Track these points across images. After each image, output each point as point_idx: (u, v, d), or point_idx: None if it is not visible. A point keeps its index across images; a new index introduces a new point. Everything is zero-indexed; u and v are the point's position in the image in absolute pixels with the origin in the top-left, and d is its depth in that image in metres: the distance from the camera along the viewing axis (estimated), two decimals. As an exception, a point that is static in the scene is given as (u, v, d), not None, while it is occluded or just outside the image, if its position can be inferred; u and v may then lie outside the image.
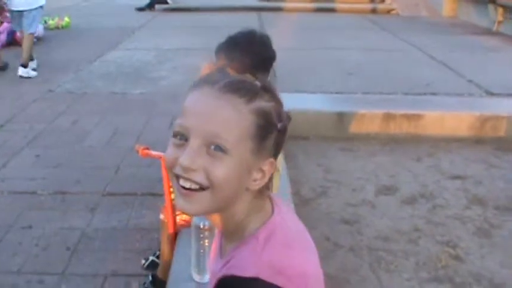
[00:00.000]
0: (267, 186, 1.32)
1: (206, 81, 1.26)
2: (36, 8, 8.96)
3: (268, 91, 1.25)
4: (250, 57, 2.38)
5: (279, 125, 1.25)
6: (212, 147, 1.18)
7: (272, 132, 1.24)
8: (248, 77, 1.28)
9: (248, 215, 1.29)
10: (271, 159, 1.27)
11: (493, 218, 4.23)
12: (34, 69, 9.10)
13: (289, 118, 1.30)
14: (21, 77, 8.75)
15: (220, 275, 1.25)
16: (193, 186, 1.20)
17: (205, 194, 1.21)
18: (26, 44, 9.03)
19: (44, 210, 4.58)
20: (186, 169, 1.19)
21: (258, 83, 1.25)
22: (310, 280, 1.28)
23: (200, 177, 1.19)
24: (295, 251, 1.27)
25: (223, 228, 1.36)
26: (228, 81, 1.23)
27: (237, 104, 1.19)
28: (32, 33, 9.18)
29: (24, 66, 8.88)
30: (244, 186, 1.25)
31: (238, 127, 1.19)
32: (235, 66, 2.29)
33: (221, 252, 1.41)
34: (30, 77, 8.80)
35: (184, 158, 1.19)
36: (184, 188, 1.21)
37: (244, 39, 2.53)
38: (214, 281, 1.29)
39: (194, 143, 1.19)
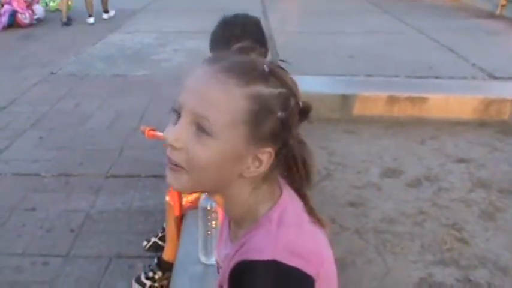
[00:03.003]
0: (276, 174, 1.29)
1: (210, 59, 1.22)
2: None
3: (277, 76, 1.18)
4: (247, 37, 2.39)
5: (280, 114, 1.16)
6: (199, 127, 1.15)
7: (269, 120, 1.16)
8: (258, 60, 1.21)
9: (257, 201, 1.26)
10: (269, 149, 1.19)
11: (497, 201, 4.22)
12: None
13: (305, 108, 1.23)
14: (104, 19, 12.26)
15: (235, 260, 1.21)
16: (173, 164, 1.19)
17: (184, 173, 1.18)
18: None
19: (47, 192, 4.59)
20: (170, 146, 1.18)
21: (265, 66, 1.17)
22: (325, 259, 1.27)
23: (180, 157, 1.17)
24: (307, 230, 1.25)
25: (228, 212, 1.35)
26: (230, 61, 1.19)
27: (231, 86, 1.14)
28: None
29: (106, 11, 12.51)
30: (236, 172, 1.21)
31: (228, 110, 1.13)
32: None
33: (231, 236, 1.39)
34: (111, 16, 12.46)
35: (169, 134, 1.18)
36: (170, 162, 1.20)
37: (240, 20, 2.55)
38: (227, 266, 1.27)
39: (183, 120, 1.17)
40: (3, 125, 6.00)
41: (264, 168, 1.21)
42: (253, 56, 1.23)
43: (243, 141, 1.16)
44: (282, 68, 1.23)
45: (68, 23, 11.83)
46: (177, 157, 1.17)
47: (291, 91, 1.20)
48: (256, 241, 1.20)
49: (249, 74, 1.16)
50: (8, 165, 5.06)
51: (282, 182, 1.32)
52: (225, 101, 1.13)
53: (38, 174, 4.86)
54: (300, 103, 1.21)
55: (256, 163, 1.20)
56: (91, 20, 11.90)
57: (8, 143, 5.49)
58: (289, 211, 1.25)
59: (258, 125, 1.15)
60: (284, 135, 1.20)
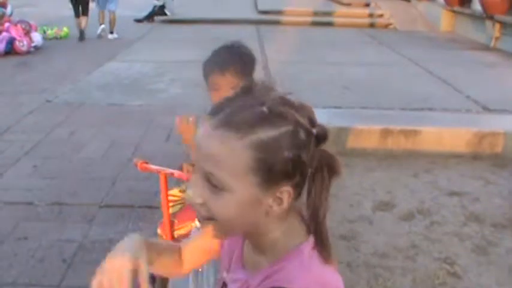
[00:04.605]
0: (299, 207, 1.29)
1: (211, 111, 1.22)
2: None
3: (278, 115, 1.16)
4: (234, 61, 2.46)
5: (287, 153, 1.15)
6: (210, 183, 1.18)
7: (278, 162, 1.15)
8: (258, 100, 1.19)
9: (288, 233, 1.27)
10: (287, 188, 1.19)
11: (490, 235, 4.23)
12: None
13: (321, 133, 1.21)
14: (109, 39, 13.93)
15: (266, 287, 1.23)
16: (203, 218, 1.23)
17: (215, 223, 1.22)
18: (113, 18, 14.13)
19: (40, 221, 4.57)
20: (193, 202, 1.22)
21: (264, 108, 1.16)
22: None
23: (205, 211, 1.21)
24: (329, 267, 1.27)
25: (254, 243, 1.34)
26: (228, 112, 1.19)
27: (230, 140, 1.14)
28: (114, 11, 14.20)
29: (112, 32, 14.22)
30: (261, 215, 1.22)
31: (232, 165, 1.15)
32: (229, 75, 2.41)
33: (242, 261, 1.38)
34: (116, 38, 14.02)
35: (189, 191, 1.22)
36: (199, 215, 1.25)
37: (225, 47, 2.60)
38: None
39: (197, 177, 1.20)
40: (-2, 153, 6.00)
41: (286, 204, 1.21)
42: (257, 93, 1.22)
43: (258, 188, 1.17)
44: (286, 99, 1.21)
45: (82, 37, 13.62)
46: (203, 211, 1.21)
47: (298, 124, 1.17)
48: (288, 271, 1.21)
49: (248, 122, 1.15)
50: (1, 194, 5.04)
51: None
52: (226, 155, 1.15)
53: (31, 203, 4.85)
54: (314, 131, 1.20)
55: (278, 202, 1.20)
56: (110, 35, 14.17)
57: (1, 171, 5.49)
58: (316, 249, 1.26)
59: (268, 170, 1.16)
60: (299, 169, 1.19)
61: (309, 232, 1.28)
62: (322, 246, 1.26)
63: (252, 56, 2.63)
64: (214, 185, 1.17)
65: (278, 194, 1.19)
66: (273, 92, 1.22)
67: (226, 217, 1.20)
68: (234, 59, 2.52)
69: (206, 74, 2.58)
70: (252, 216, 1.22)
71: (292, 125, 1.16)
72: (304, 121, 1.18)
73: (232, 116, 1.17)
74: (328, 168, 1.22)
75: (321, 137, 1.21)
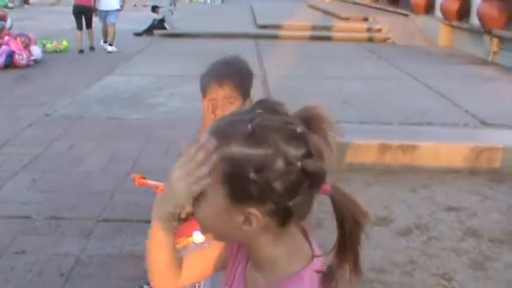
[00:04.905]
0: (297, 230, 1.28)
1: (217, 119, 1.28)
2: (117, 9, 14.57)
3: (260, 136, 1.14)
4: (232, 74, 2.45)
5: (252, 175, 1.13)
6: None
7: (243, 181, 1.14)
8: (248, 118, 1.18)
9: (287, 256, 1.26)
10: (253, 210, 1.16)
11: (487, 250, 4.23)
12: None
13: (313, 171, 1.16)
14: (109, 52, 14.16)
15: None
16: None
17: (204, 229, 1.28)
18: (112, 31, 14.41)
19: (38, 235, 4.57)
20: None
21: (249, 126, 1.15)
22: None
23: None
24: None
25: (251, 259, 1.34)
26: (222, 122, 1.23)
27: (211, 149, 1.18)
28: (114, 24, 14.49)
29: (111, 45, 14.40)
30: (234, 228, 1.21)
31: (209, 172, 1.19)
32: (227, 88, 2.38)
33: (245, 277, 1.38)
34: (115, 51, 14.17)
35: None
36: None
37: (223, 61, 2.59)
38: None
39: None
40: (-4, 166, 6.01)
41: (255, 227, 1.19)
42: (258, 111, 1.21)
43: (227, 201, 1.18)
44: (282, 125, 1.17)
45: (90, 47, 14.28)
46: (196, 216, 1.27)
47: (278, 152, 1.14)
48: None
49: (228, 135, 1.17)
50: (-1, 207, 5.05)
51: (313, 239, 1.32)
52: (206, 163, 1.18)
53: (28, 217, 4.84)
54: (298, 163, 1.14)
55: (248, 222, 1.19)
56: (109, 48, 14.43)
57: (-1, 185, 5.50)
58: (317, 276, 1.25)
59: (234, 186, 1.16)
60: (270, 196, 1.15)
61: (313, 253, 1.28)
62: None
63: (249, 70, 2.63)
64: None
65: (245, 214, 1.18)
66: (276, 114, 1.20)
67: (206, 224, 1.25)
68: (232, 72, 2.52)
69: (203, 86, 2.58)
70: (228, 228, 1.22)
71: (271, 150, 1.14)
72: (290, 151, 1.14)
73: (222, 126, 1.21)
74: (354, 221, 1.21)
75: (313, 175, 1.17)
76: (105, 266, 4.11)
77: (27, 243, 4.42)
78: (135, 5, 29.00)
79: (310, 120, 1.19)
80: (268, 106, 1.22)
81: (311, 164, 1.15)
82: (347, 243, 1.21)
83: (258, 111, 1.21)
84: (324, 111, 1.21)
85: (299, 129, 1.17)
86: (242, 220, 1.19)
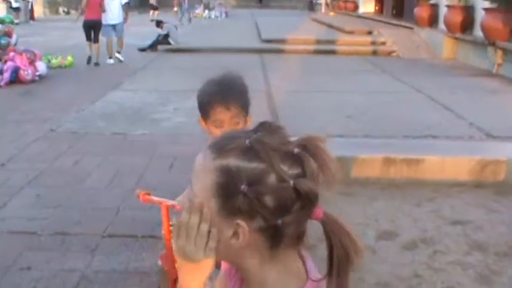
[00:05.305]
0: (290, 251, 1.27)
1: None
2: (121, 22, 15.24)
3: (257, 151, 1.17)
4: (235, 94, 2.45)
5: (243, 187, 1.15)
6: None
7: (235, 193, 1.16)
8: (248, 134, 1.21)
9: (281, 278, 1.25)
10: (241, 222, 1.17)
11: (493, 264, 4.21)
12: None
13: (305, 191, 1.16)
14: (120, 61, 15.02)
15: None
16: None
17: None
18: (122, 41, 15.34)
19: (43, 251, 4.56)
20: None
21: (247, 141, 1.18)
22: None
23: None
24: None
25: (244, 281, 1.33)
26: (222, 136, 1.27)
27: (207, 159, 1.21)
28: (122, 36, 15.38)
29: (119, 52, 15.08)
30: (226, 243, 1.21)
31: (202, 182, 1.21)
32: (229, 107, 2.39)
33: None
34: (122, 61, 14.97)
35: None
36: None
37: (223, 80, 2.56)
38: None
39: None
40: (1, 182, 6.01)
41: (242, 242, 1.19)
42: (261, 131, 1.23)
43: (218, 212, 1.20)
44: (279, 145, 1.19)
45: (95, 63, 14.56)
46: None
47: (272, 168, 1.15)
48: None
49: (225, 147, 1.20)
50: (4, 223, 5.04)
51: (308, 260, 1.32)
52: (201, 173, 1.22)
53: (34, 233, 4.84)
54: (291, 181, 1.15)
55: (236, 236, 1.19)
56: (111, 61, 14.89)
57: (4, 201, 5.49)
58: None
59: (225, 197, 1.18)
60: (260, 212, 1.17)
61: (307, 274, 1.28)
62: None
63: (246, 87, 2.62)
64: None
65: (235, 228, 1.19)
66: (275, 134, 1.22)
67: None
68: (236, 93, 2.51)
69: (204, 107, 2.57)
70: (219, 244, 1.23)
71: (266, 165, 1.16)
72: (284, 169, 1.16)
73: (220, 140, 1.24)
74: (345, 255, 1.21)
75: (305, 195, 1.17)
76: (111, 282, 4.10)
77: (32, 259, 4.42)
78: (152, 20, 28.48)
79: (310, 147, 1.20)
80: (269, 128, 1.24)
81: (304, 184, 1.16)
82: (333, 275, 1.21)
83: (259, 133, 1.23)
84: (325, 145, 1.22)
85: (296, 150, 1.19)
86: (231, 234, 1.20)
